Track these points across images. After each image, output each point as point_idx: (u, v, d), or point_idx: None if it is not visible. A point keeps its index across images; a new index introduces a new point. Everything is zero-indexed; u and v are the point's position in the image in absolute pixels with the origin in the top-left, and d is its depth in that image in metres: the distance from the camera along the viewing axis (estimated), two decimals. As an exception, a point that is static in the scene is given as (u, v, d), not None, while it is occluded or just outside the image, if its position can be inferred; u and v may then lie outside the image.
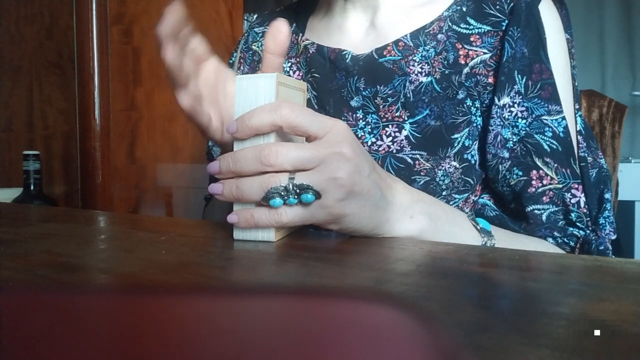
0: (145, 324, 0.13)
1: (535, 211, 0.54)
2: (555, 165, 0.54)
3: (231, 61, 0.78)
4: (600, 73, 2.50)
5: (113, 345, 0.11)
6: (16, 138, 1.30)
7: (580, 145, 0.58)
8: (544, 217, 0.54)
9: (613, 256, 0.56)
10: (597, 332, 0.19)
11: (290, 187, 0.37)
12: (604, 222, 0.58)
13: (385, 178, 0.43)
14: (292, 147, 0.37)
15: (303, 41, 0.68)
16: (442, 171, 0.56)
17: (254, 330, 0.12)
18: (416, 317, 0.13)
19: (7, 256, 0.34)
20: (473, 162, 0.57)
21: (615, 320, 0.21)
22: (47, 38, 1.25)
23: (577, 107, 0.59)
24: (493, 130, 0.56)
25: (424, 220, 0.45)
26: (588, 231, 0.55)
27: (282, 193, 0.37)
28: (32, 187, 1.09)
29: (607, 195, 0.58)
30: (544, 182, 0.54)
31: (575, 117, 0.59)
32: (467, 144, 0.57)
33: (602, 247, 0.54)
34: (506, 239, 0.51)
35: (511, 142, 0.55)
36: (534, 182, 0.54)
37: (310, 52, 0.65)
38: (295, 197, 0.37)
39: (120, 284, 0.27)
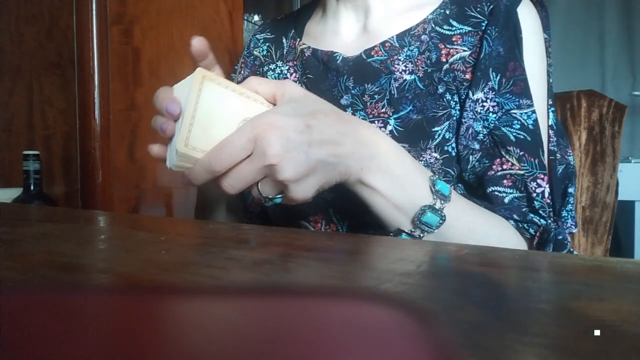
0: (145, 324, 0.13)
1: (496, 193, 0.56)
2: (521, 153, 0.56)
3: (236, 67, 0.81)
4: (600, 73, 2.51)
5: (113, 345, 0.11)
6: (16, 138, 1.30)
7: (551, 139, 0.61)
8: (506, 200, 0.56)
9: (572, 250, 0.59)
10: (597, 332, 0.19)
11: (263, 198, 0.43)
12: (566, 215, 0.60)
13: (337, 124, 0.44)
14: (221, 147, 0.40)
15: (300, 45, 0.71)
16: (423, 162, 0.58)
17: (254, 329, 0.13)
18: (416, 317, 0.13)
19: (7, 256, 0.34)
20: (454, 154, 0.60)
21: (615, 320, 0.21)
22: (47, 38, 1.25)
23: (550, 102, 0.62)
24: (465, 122, 0.59)
25: (378, 180, 0.46)
26: (549, 221, 0.56)
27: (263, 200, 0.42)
28: (32, 187, 1.09)
29: (570, 190, 0.61)
30: (504, 167, 0.56)
31: (548, 112, 0.61)
32: (447, 137, 0.59)
33: (560, 237, 0.56)
34: (464, 206, 0.51)
35: (481, 135, 0.58)
36: (494, 167, 0.57)
37: (306, 55, 0.69)
38: (270, 201, 0.42)
39: (120, 284, 0.27)
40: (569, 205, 0.61)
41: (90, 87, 1.17)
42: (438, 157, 0.58)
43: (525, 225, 0.55)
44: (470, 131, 0.58)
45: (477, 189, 0.59)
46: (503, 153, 0.56)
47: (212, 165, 0.39)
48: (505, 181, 0.56)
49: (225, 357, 0.11)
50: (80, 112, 1.19)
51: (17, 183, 1.14)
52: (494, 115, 0.57)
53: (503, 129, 0.57)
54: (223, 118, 0.43)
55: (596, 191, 0.83)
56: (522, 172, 0.56)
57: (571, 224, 0.60)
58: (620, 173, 0.85)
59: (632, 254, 2.16)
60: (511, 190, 0.56)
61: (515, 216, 0.55)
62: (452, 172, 0.59)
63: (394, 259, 0.34)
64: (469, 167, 0.59)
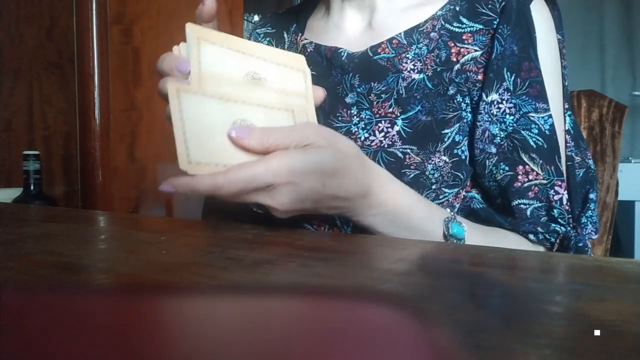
0: (145, 324, 0.13)
1: (521, 206, 0.55)
2: (541, 161, 0.55)
3: None
4: (600, 73, 2.50)
5: (113, 345, 0.11)
6: (16, 138, 1.30)
7: (568, 144, 0.60)
8: (528, 212, 0.55)
9: (592, 255, 0.58)
10: (597, 332, 0.19)
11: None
12: (585, 221, 0.59)
13: (352, 186, 0.43)
14: (237, 178, 0.38)
15: (302, 41, 0.69)
16: (431, 165, 0.57)
17: (254, 330, 0.12)
18: (416, 317, 0.13)
19: (7, 256, 0.34)
20: (463, 157, 0.58)
21: (616, 320, 0.21)
22: (47, 38, 1.25)
23: (566, 106, 0.60)
24: (481, 125, 0.57)
25: (385, 228, 0.47)
26: (569, 228, 0.55)
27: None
28: (32, 187, 1.09)
29: (592, 196, 0.60)
30: (530, 177, 0.55)
31: (564, 117, 0.60)
32: (457, 140, 0.58)
33: (581, 244, 0.55)
34: (479, 243, 0.51)
35: (498, 138, 0.56)
36: (520, 177, 0.55)
37: (308, 50, 0.67)
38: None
39: (120, 284, 0.27)
40: (589, 211, 0.59)
41: (90, 87, 1.17)
42: (447, 160, 0.57)
43: (547, 235, 0.55)
44: (486, 134, 0.57)
45: (496, 197, 0.58)
46: (526, 160, 0.55)
47: (224, 190, 0.38)
48: (530, 193, 0.55)
49: (225, 357, 0.11)
50: (80, 112, 1.19)
51: (17, 183, 1.14)
52: (512, 117, 0.56)
53: (522, 132, 0.55)
54: (214, 129, 0.42)
55: (596, 191, 0.83)
56: (545, 181, 0.55)
57: (591, 230, 0.59)
58: (620, 173, 0.84)
59: (632, 254, 2.16)
60: (533, 202, 0.55)
61: (538, 228, 0.54)
62: (462, 176, 0.58)
63: (394, 259, 0.34)
64: (486, 172, 0.57)
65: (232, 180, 0.38)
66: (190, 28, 0.45)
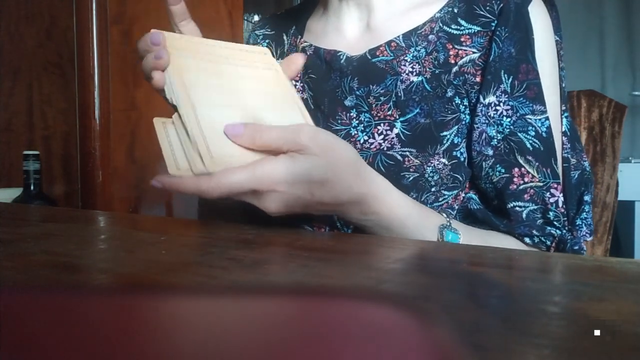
0: (145, 324, 0.13)
1: (517, 208, 0.55)
2: (537, 163, 0.55)
3: None
4: (600, 73, 2.51)
5: (113, 346, 0.11)
6: (16, 138, 1.30)
7: (564, 146, 0.59)
8: (524, 215, 0.55)
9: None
10: (597, 332, 0.19)
11: None
12: (580, 223, 0.59)
13: (343, 194, 0.43)
14: (222, 184, 0.39)
15: (301, 43, 0.69)
16: (431, 167, 0.57)
17: (254, 330, 0.13)
18: (416, 317, 0.13)
19: (7, 256, 0.34)
20: (462, 159, 0.58)
21: (615, 320, 0.21)
22: (47, 38, 1.25)
23: (563, 108, 0.60)
24: (478, 128, 0.57)
25: (379, 232, 0.48)
26: (564, 230, 0.55)
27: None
28: (32, 187, 1.09)
29: (586, 198, 0.60)
30: (526, 179, 0.55)
31: (561, 118, 0.59)
32: (456, 142, 0.58)
33: (576, 247, 0.56)
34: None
35: (495, 140, 0.56)
36: (515, 180, 0.55)
37: (308, 53, 0.67)
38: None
39: (120, 284, 0.27)
40: (584, 213, 0.59)
41: (90, 87, 1.17)
42: (446, 162, 0.57)
43: (542, 238, 0.55)
44: (483, 136, 0.57)
45: (492, 199, 0.58)
46: (522, 162, 0.55)
47: (208, 193, 0.39)
48: (525, 195, 0.55)
49: (225, 357, 0.11)
50: (80, 112, 1.19)
51: (17, 183, 1.14)
52: (509, 119, 0.56)
53: (519, 134, 0.55)
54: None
55: (596, 191, 0.83)
56: (541, 184, 0.55)
57: (586, 232, 0.59)
58: (620, 173, 0.84)
59: (632, 254, 2.16)
60: (529, 204, 0.55)
61: (534, 231, 0.54)
62: (461, 178, 0.58)
63: (394, 259, 0.34)
64: (482, 174, 0.57)
65: (216, 186, 0.38)
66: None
